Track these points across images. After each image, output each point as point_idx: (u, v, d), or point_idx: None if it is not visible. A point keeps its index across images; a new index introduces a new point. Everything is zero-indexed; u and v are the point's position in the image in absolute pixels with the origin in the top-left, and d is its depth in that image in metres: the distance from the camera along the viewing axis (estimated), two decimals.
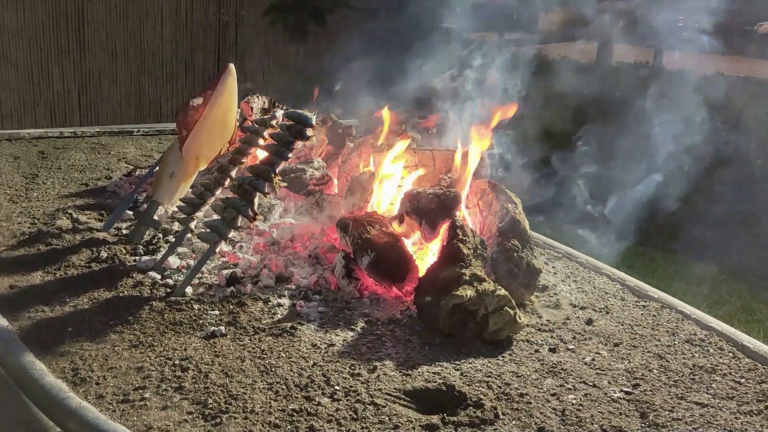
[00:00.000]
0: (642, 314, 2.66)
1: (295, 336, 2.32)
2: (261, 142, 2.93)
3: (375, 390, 2.03)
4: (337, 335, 2.35)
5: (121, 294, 2.65)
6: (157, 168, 3.26)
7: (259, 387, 2.03)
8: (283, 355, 2.21)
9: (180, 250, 2.98)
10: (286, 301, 2.56)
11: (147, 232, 3.17)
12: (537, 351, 2.31)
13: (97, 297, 2.62)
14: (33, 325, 2.39)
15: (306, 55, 12.03)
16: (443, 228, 2.64)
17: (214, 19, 10.58)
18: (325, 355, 2.22)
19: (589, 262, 3.16)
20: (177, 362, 2.15)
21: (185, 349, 2.23)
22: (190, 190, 3.18)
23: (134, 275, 2.79)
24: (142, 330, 2.37)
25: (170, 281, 2.75)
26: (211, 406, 1.93)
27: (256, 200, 2.66)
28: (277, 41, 11.84)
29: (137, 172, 4.16)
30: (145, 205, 3.37)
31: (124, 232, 3.27)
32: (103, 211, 3.53)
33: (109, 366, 2.14)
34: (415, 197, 2.70)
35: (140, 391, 2.01)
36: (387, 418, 1.90)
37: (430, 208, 2.65)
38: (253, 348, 2.25)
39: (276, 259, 2.79)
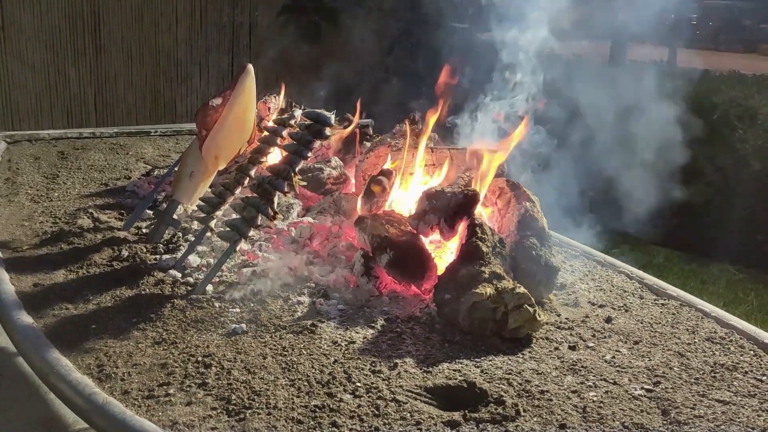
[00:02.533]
0: (661, 312, 2.66)
1: (316, 333, 2.34)
2: (279, 141, 2.95)
3: (396, 387, 2.04)
4: (357, 333, 2.37)
5: (143, 292, 2.67)
6: (177, 168, 3.28)
7: (281, 383, 2.05)
8: (304, 352, 2.23)
9: (199, 248, 3.00)
10: (305, 299, 2.58)
11: (167, 231, 3.21)
12: (557, 348, 2.32)
13: (119, 295, 2.65)
14: (58, 323, 2.42)
15: (320, 56, 12.06)
16: (461, 226, 2.65)
17: (228, 20, 10.64)
18: (346, 352, 2.24)
19: (606, 260, 3.16)
20: (200, 359, 2.17)
21: (207, 346, 2.26)
22: (210, 190, 3.20)
23: (155, 273, 2.82)
24: (165, 327, 2.39)
25: (191, 279, 2.77)
26: (234, 402, 1.95)
27: (276, 199, 2.69)
28: (291, 42, 11.87)
29: (155, 172, 4.20)
30: (164, 205, 3.41)
31: (145, 231, 3.30)
32: (123, 211, 3.56)
33: (133, 362, 2.17)
34: (434, 196, 2.71)
35: (165, 387, 2.03)
36: (409, 415, 1.92)
37: (449, 206, 2.66)
38: (275, 345, 2.27)
39: (295, 258, 2.81)
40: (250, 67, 3.24)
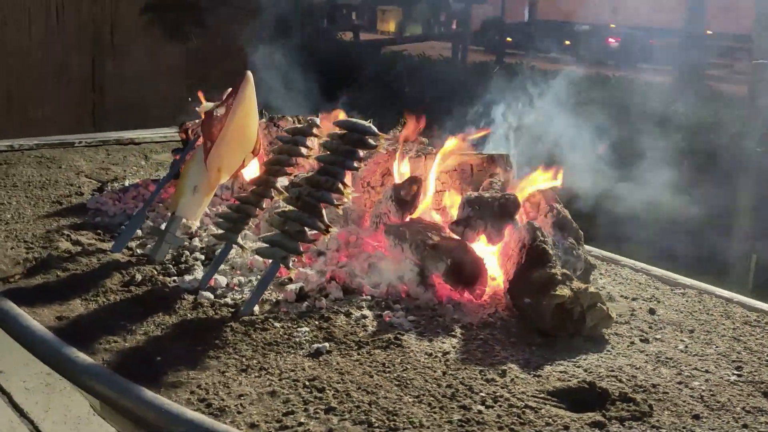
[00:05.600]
0: (688, 301, 2.85)
1: (404, 347, 2.30)
2: (304, 151, 2.85)
3: (519, 393, 2.06)
4: (443, 342, 2.35)
5: (186, 317, 2.51)
6: (179, 181, 3.08)
7: (407, 401, 2.01)
8: (408, 366, 2.18)
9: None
10: (368, 313, 2.52)
11: (169, 250, 3.01)
12: (632, 343, 2.43)
13: (162, 322, 2.46)
14: (116, 358, 2.22)
15: (188, 56, 11.63)
16: (507, 231, 2.70)
17: (89, 19, 10.03)
18: (447, 363, 2.22)
19: (605, 255, 3.33)
20: (307, 383, 2.07)
21: (303, 369, 2.16)
22: (224, 206, 3.05)
23: (185, 296, 2.64)
24: (239, 353, 2.26)
25: (229, 300, 2.63)
26: (377, 424, 1.88)
27: (325, 212, 2.60)
28: (157, 42, 11.37)
29: (108, 187, 3.91)
30: (150, 221, 3.19)
31: (139, 251, 3.07)
32: (99, 230, 3.30)
33: (237, 393, 2.03)
34: (475, 202, 2.74)
35: (291, 416, 1.92)
36: (551, 420, 1.94)
37: (494, 211, 2.70)
38: (370, 362, 2.21)
39: (338, 271, 2.74)
40: (250, 74, 3.11)
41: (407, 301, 2.61)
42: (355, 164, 2.63)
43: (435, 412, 1.95)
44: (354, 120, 2.71)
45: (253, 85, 3.10)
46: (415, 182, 2.91)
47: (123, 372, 2.14)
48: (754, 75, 7.10)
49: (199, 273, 2.85)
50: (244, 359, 2.22)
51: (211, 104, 3.37)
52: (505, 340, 2.39)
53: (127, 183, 3.96)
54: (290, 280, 2.74)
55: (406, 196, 2.86)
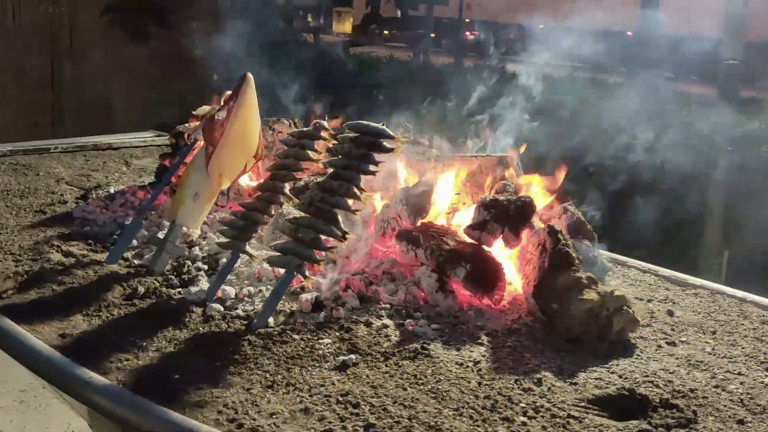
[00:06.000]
0: (702, 302, 2.83)
1: (432, 357, 2.23)
2: (312, 155, 2.76)
3: (560, 403, 2.00)
4: (471, 351, 2.28)
5: (198, 331, 2.39)
6: (178, 188, 2.95)
7: (447, 414, 1.93)
8: (441, 377, 2.11)
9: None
10: (388, 322, 2.44)
11: (169, 260, 2.89)
12: (659, 346, 2.39)
13: (172, 337, 2.35)
14: (131, 377, 2.10)
15: (151, 58, 11.41)
16: (524, 234, 2.64)
17: (46, 20, 9.78)
18: (480, 373, 2.15)
19: (611, 256, 3.29)
20: (340, 398, 1.99)
21: (333, 383, 2.07)
22: (224, 213, 2.93)
23: (193, 309, 2.53)
24: (261, 368, 2.16)
25: (240, 312, 2.52)
26: None
27: (341, 218, 2.51)
28: (118, 43, 11.14)
29: (93, 194, 3.75)
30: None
31: (137, 262, 2.94)
32: (90, 241, 3.15)
33: (268, 411, 1.93)
34: (490, 205, 2.68)
35: None
36: (597, 429, 1.89)
37: (510, 215, 2.64)
38: (401, 374, 2.13)
39: (353, 279, 2.65)
40: (250, 76, 3.00)
41: (427, 308, 2.54)
42: (371, 168, 2.54)
43: (478, 426, 1.88)
44: (366, 122, 2.62)
45: (253, 87, 3.00)
46: (427, 186, 2.83)
47: (140, 392, 2.02)
48: (724, 75, 7.23)
49: (203, 283, 2.73)
50: (268, 375, 2.12)
51: (207, 107, 3.25)
52: (533, 346, 2.33)
53: (112, 190, 3.81)
54: (302, 290, 2.65)
55: (418, 200, 2.78)
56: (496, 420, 1.91)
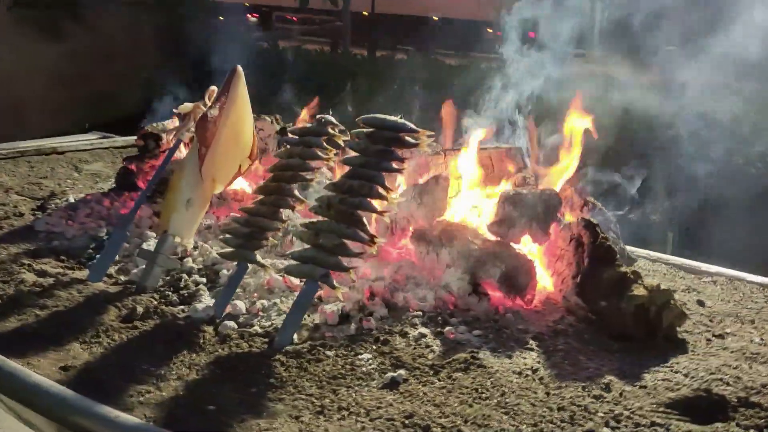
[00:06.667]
0: (724, 290, 2.76)
1: (485, 367, 2.05)
2: (321, 153, 2.54)
3: (637, 409, 1.87)
4: (524, 358, 2.12)
5: (217, 353, 2.15)
6: (168, 194, 2.68)
7: (526, 430, 1.77)
8: (504, 389, 1.94)
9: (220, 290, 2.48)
10: (425, 330, 2.25)
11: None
12: (709, 340, 2.29)
13: (191, 362, 2.10)
14: (160, 412, 1.86)
15: (64, 56, 10.81)
16: (553, 228, 2.51)
17: None
18: (542, 381, 1.99)
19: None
20: (406, 421, 1.79)
21: (390, 404, 1.87)
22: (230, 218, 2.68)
23: (203, 328, 2.28)
24: (303, 391, 1.94)
25: (257, 329, 2.29)
26: None
27: (365, 220, 2.31)
28: (29, 41, 10.51)
29: (52, 205, 3.40)
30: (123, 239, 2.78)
31: (123, 278, 2.66)
32: (62, 257, 2.84)
33: None
34: (515, 199, 2.52)
35: None
36: None
37: (537, 210, 2.50)
38: (460, 388, 1.95)
39: (376, 285, 2.45)
40: (240, 69, 2.76)
41: (461, 313, 2.36)
42: (395, 165, 2.34)
43: None
44: (383, 116, 2.41)
45: (244, 81, 2.75)
46: (441, 182, 2.65)
47: (176, 429, 1.78)
48: (668, 60, 7.33)
49: (206, 299, 2.48)
50: (313, 399, 1.91)
51: (190, 105, 2.98)
52: (585, 348, 2.19)
53: (71, 199, 3.47)
54: (320, 300, 2.43)
55: (434, 197, 2.60)
56: None
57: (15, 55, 10.10)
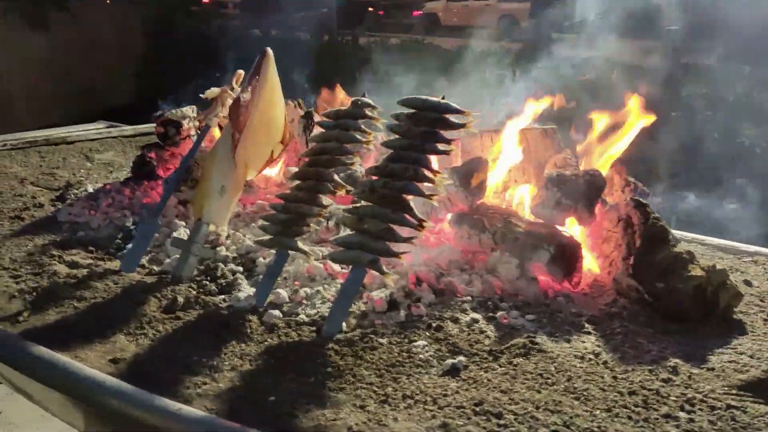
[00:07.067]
0: (766, 269, 2.73)
1: (546, 352, 2.00)
2: (360, 137, 2.47)
3: (709, 392, 1.82)
4: (583, 342, 2.08)
5: (267, 343, 2.09)
6: (201, 182, 2.61)
7: (602, 417, 1.72)
8: (570, 374, 1.89)
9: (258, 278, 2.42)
10: (476, 316, 2.20)
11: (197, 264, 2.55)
12: (766, 320, 2.26)
13: (243, 352, 2.04)
14: (220, 404, 1.80)
15: (53, 47, 10.72)
16: (598, 209, 2.46)
17: None
18: (607, 365, 1.95)
19: None
20: (476, 409, 1.74)
21: (456, 392, 1.82)
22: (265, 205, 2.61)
23: (248, 317, 2.22)
24: (363, 380, 1.89)
25: (303, 317, 2.23)
26: None
27: (413, 204, 2.25)
28: (16, 31, 10.41)
29: (71, 195, 3.32)
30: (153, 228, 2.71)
31: (156, 268, 2.60)
32: (91, 248, 2.77)
33: (400, 431, 1.67)
34: (559, 180, 2.47)
35: None
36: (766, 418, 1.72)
37: (582, 191, 2.45)
38: (524, 374, 1.90)
39: (421, 270, 2.39)
40: (270, 51, 2.69)
41: (510, 297, 2.31)
42: (440, 147, 2.28)
43: (644, 427, 1.68)
44: (424, 97, 2.35)
45: (274, 64, 2.68)
46: (481, 164, 2.60)
47: (240, 421, 1.72)
48: (667, 40, 7.31)
49: (246, 288, 2.42)
50: (375, 387, 1.86)
51: (217, 90, 2.90)
52: (643, 330, 2.14)
53: (90, 188, 3.38)
54: (363, 287, 2.37)
55: (475, 179, 2.55)
56: (657, 419, 1.71)
57: (2, 45, 10.00)
